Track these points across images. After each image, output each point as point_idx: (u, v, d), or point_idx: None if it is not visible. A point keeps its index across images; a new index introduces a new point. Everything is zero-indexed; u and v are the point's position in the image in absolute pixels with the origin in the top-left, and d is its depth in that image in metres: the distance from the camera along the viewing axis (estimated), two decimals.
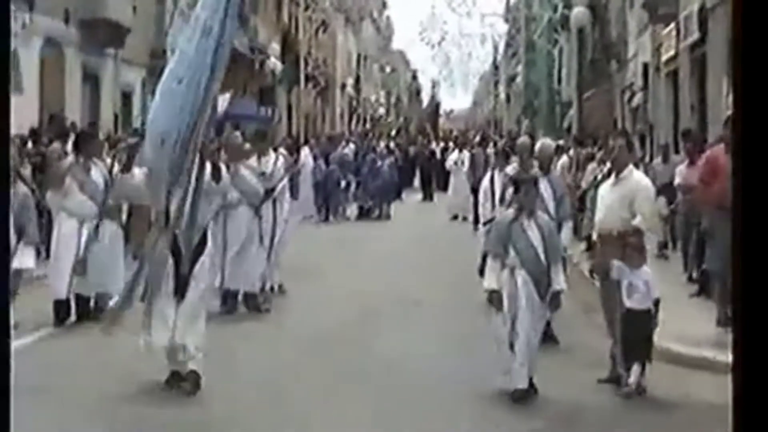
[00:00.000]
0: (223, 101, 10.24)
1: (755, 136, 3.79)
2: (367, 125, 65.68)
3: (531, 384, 8.62)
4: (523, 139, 13.10)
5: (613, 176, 9.48)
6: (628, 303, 8.90)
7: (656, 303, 8.93)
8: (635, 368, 8.85)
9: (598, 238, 9.50)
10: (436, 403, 8.56)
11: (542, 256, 8.63)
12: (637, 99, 29.35)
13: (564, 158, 20.12)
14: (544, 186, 10.16)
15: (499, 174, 12.73)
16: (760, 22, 3.79)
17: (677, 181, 14.55)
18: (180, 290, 8.56)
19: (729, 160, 11.33)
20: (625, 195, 9.20)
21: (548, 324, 9.77)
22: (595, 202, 9.84)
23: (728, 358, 9.79)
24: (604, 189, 9.56)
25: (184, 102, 7.88)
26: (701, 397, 8.87)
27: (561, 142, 27.27)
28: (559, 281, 8.71)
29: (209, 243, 9.00)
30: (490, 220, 12.81)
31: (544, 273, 8.64)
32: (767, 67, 3.76)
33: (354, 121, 65.91)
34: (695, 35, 20.60)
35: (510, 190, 9.94)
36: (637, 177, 9.47)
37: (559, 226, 10.23)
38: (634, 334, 8.86)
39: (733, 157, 4.05)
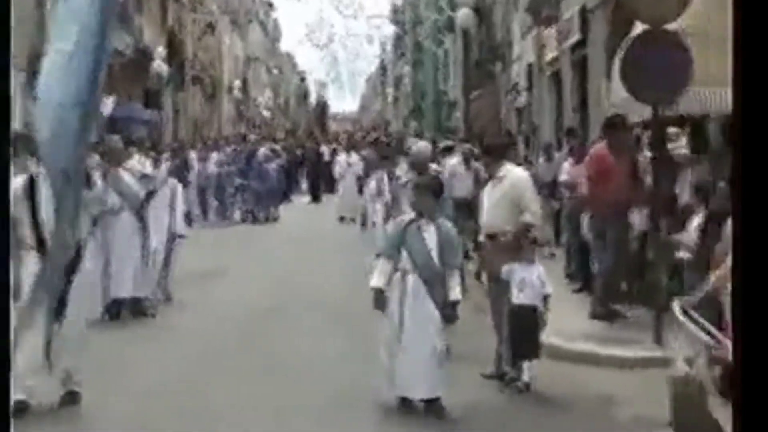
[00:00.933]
0: (107, 104, 9.95)
1: (755, 137, 3.72)
2: (255, 128, 65.19)
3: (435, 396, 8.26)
4: (422, 143, 13.08)
5: (492, 177, 9.55)
6: (517, 299, 8.93)
7: (545, 299, 9.02)
8: (526, 364, 8.94)
9: (485, 239, 9.54)
10: (324, 407, 8.50)
11: (437, 261, 8.30)
12: (522, 99, 29.74)
13: (456, 158, 20.19)
14: None
15: (386, 175, 12.79)
16: (759, 21, 3.73)
17: (562, 178, 14.61)
18: (57, 311, 7.83)
19: (614, 159, 11.57)
20: (506, 193, 9.24)
21: None
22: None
23: (609, 352, 10.12)
24: (486, 190, 9.60)
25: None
26: (586, 391, 9.02)
27: (450, 142, 27.44)
28: (456, 292, 8.31)
29: (87, 256, 8.59)
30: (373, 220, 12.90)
31: (439, 279, 8.28)
32: (766, 68, 3.70)
33: (241, 124, 65.38)
34: (576, 36, 20.96)
35: (406, 194, 9.79)
36: (516, 174, 9.50)
37: None
38: (523, 330, 8.92)
39: (733, 157, 3.96)
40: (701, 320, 6.54)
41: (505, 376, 9.11)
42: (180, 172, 23.89)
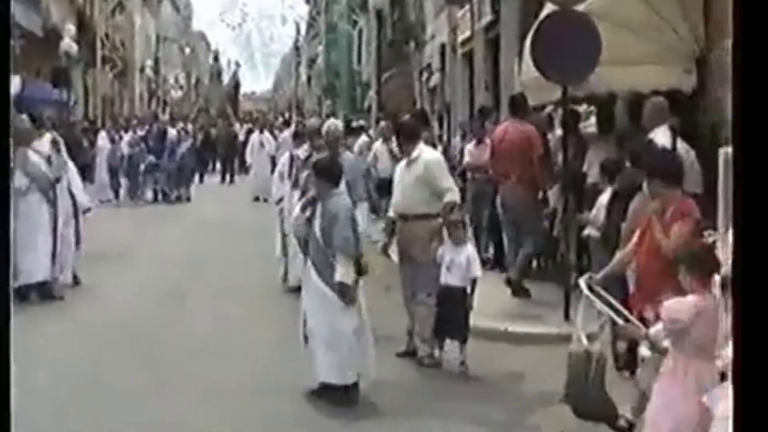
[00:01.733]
0: (14, 84, 9.72)
1: (756, 136, 3.70)
2: (167, 108, 64.45)
3: (353, 382, 8.13)
4: (312, 121, 13.05)
5: (405, 158, 9.55)
6: (446, 279, 8.98)
7: (474, 281, 9.06)
8: (454, 344, 9.02)
9: (398, 219, 9.54)
10: (239, 392, 8.47)
11: (323, 245, 8.07)
12: (435, 79, 29.83)
13: (363, 138, 20.23)
14: None
15: (295, 154, 12.75)
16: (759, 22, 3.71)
17: (466, 159, 14.60)
18: None
19: (521, 136, 11.69)
20: (420, 175, 9.25)
21: None
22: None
23: (521, 329, 10.26)
24: (400, 170, 9.60)
25: None
26: (499, 367, 9.17)
27: (363, 122, 27.49)
28: (340, 273, 7.96)
29: None
30: (281, 199, 12.83)
31: (327, 261, 8.05)
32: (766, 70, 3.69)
33: (153, 104, 64.55)
34: (489, 17, 21.08)
35: (304, 174, 9.63)
36: (429, 155, 9.52)
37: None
38: (451, 311, 8.98)
39: (734, 157, 3.91)
40: (607, 296, 6.66)
41: (417, 352, 9.19)
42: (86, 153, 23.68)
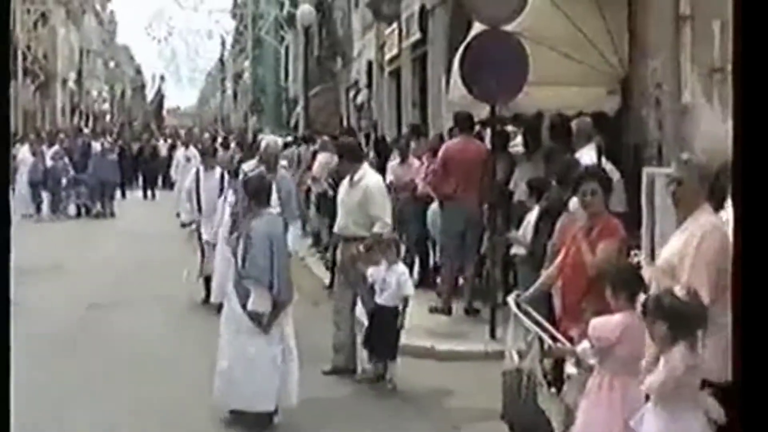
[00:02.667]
0: None
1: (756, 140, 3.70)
2: (90, 121, 63.73)
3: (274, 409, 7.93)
4: (272, 138, 12.96)
5: (347, 178, 9.55)
6: (379, 299, 9.03)
7: (405, 300, 9.10)
8: (388, 364, 9.06)
9: (341, 240, 9.58)
10: (162, 410, 8.42)
11: (240, 270, 7.91)
12: (362, 96, 29.88)
13: (291, 149, 20.19)
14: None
15: (207, 173, 12.75)
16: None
17: (389, 178, 14.51)
18: None
19: (477, 153, 11.71)
20: (359, 200, 9.29)
21: None
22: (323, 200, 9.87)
23: (447, 346, 10.30)
24: (343, 191, 9.60)
25: None
26: (426, 384, 9.23)
27: (290, 138, 27.39)
28: (254, 301, 7.80)
29: None
30: (190, 223, 12.79)
31: (245, 290, 7.89)
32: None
33: (76, 117, 63.77)
34: (417, 35, 21.19)
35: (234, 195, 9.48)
36: (369, 181, 9.47)
37: (286, 227, 9.28)
38: (382, 330, 9.02)
39: (734, 156, 3.89)
40: (534, 314, 6.72)
41: (347, 369, 9.22)
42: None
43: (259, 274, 7.82)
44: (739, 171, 3.73)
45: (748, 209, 3.71)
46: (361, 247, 9.17)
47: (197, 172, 13.22)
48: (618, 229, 7.00)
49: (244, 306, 7.87)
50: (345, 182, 9.64)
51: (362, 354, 9.31)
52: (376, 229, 9.20)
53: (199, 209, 12.98)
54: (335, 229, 9.81)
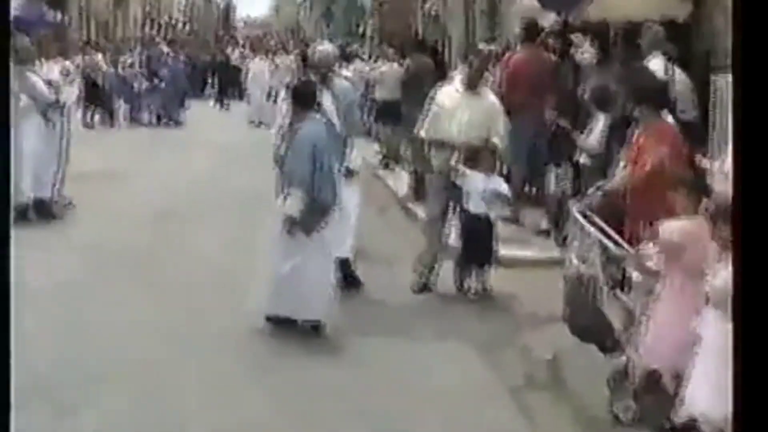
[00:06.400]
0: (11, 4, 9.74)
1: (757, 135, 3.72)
2: (162, 30, 63.93)
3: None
4: (325, 47, 12.88)
5: (462, 89, 9.46)
6: (477, 208, 9.12)
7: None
8: (480, 270, 9.21)
9: (457, 152, 9.39)
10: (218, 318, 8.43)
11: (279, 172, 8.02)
12: (435, 7, 29.55)
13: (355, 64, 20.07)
14: (325, 97, 8.95)
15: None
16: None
17: None
18: None
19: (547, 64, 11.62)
20: (486, 110, 9.36)
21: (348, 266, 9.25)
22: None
23: (513, 253, 10.41)
24: (463, 102, 9.42)
25: None
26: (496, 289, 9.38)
27: (356, 46, 27.29)
28: (288, 203, 7.83)
29: None
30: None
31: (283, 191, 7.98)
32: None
33: (148, 26, 63.99)
34: None
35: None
36: (491, 95, 9.60)
37: (345, 143, 9.18)
38: (478, 237, 9.15)
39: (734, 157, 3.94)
40: (597, 220, 6.79)
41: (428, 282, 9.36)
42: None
43: (298, 179, 7.81)
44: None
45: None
46: (463, 154, 9.20)
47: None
48: (668, 134, 7.01)
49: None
50: (451, 91, 9.54)
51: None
52: (493, 140, 9.26)
53: None
54: (428, 135, 9.53)
